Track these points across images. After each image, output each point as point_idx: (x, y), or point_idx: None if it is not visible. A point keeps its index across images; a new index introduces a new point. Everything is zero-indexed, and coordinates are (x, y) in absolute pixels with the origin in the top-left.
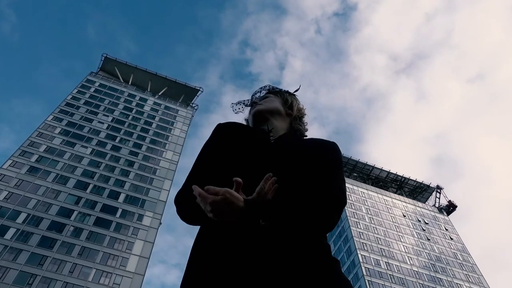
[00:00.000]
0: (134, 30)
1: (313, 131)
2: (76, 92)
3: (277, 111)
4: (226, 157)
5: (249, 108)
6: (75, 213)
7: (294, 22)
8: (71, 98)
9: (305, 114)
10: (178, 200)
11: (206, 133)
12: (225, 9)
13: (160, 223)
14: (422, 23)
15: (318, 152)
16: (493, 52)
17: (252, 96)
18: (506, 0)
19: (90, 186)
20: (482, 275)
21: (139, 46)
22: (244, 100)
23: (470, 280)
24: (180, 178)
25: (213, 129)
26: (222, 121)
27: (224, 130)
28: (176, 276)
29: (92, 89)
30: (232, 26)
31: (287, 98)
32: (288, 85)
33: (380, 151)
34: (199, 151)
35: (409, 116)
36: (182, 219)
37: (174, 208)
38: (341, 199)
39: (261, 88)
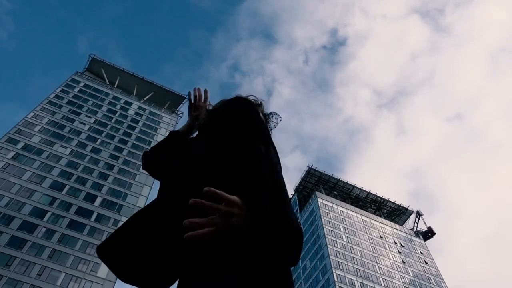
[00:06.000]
0: (125, 46)
1: (295, 159)
2: (60, 91)
3: None
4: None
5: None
6: (49, 214)
7: (284, 51)
8: (54, 97)
9: None
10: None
11: None
12: (216, 33)
13: None
14: (406, 61)
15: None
16: (472, 95)
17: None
18: (486, 45)
19: (67, 188)
20: None
21: (129, 63)
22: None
23: None
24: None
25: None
26: None
27: None
28: None
29: (77, 89)
30: (222, 50)
31: None
32: (275, 111)
33: (360, 179)
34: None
35: (389, 150)
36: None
37: None
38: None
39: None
